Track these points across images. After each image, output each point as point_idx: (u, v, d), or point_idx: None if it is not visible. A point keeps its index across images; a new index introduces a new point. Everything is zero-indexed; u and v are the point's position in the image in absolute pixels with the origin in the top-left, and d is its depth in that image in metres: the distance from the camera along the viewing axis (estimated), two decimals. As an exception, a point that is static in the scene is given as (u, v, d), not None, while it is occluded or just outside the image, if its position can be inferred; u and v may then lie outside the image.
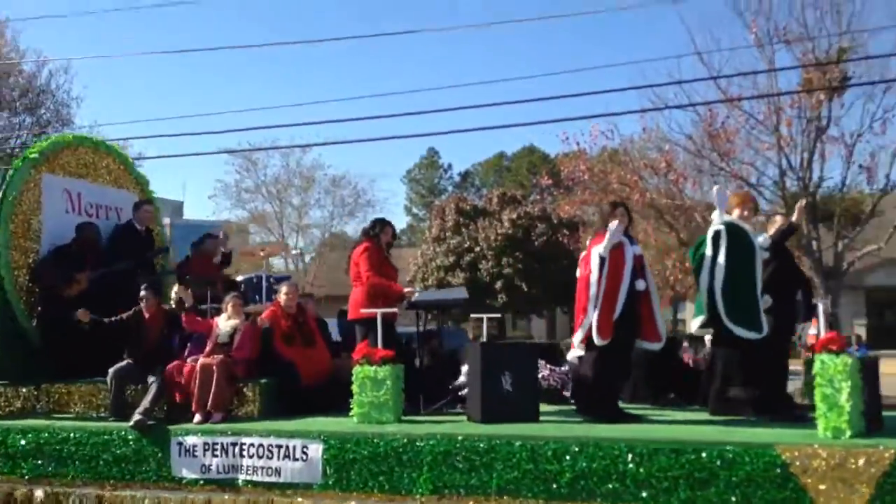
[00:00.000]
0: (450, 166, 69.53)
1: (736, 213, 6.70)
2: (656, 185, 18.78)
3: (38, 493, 6.78)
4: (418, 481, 5.90)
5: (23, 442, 6.95)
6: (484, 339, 7.26)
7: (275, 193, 35.65)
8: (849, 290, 22.22)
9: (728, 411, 6.55)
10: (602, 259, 6.25)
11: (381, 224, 7.38)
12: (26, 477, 6.90)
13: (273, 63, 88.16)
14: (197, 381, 6.77)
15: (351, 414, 6.52)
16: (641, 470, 5.40)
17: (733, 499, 5.20)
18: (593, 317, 6.19)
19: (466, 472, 5.79)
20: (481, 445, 5.77)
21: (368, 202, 37.72)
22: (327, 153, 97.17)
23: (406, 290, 7.11)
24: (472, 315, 6.24)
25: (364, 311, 6.79)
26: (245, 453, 6.39)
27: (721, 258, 6.33)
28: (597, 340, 6.17)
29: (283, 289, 7.57)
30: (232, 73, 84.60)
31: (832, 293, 16.49)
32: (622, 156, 19.87)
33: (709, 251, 6.41)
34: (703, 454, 5.28)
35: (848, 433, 5.25)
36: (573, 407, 7.01)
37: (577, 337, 6.37)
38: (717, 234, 6.39)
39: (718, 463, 5.24)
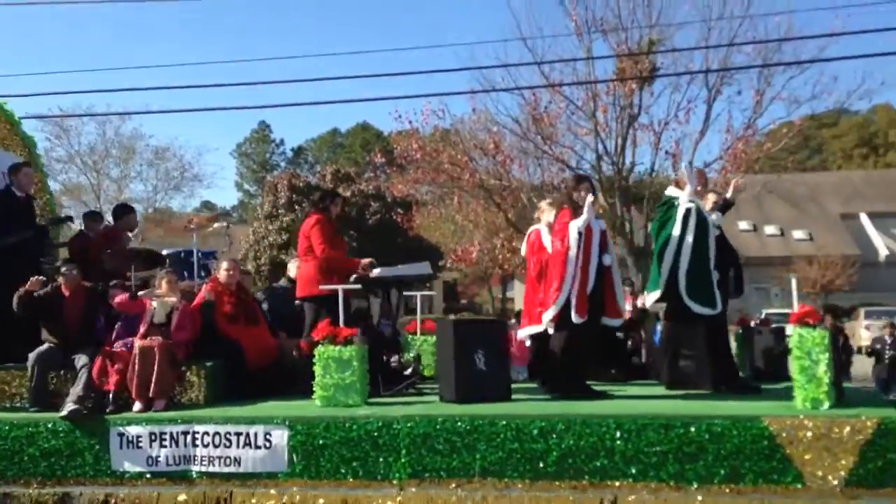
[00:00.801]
0: (282, 141, 68.40)
1: (688, 190, 6.76)
2: (486, 167, 19.25)
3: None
4: (395, 465, 5.63)
5: (-75, 438, 6.11)
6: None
7: (91, 164, 33.80)
8: None
9: (684, 385, 6.66)
10: (580, 234, 6.14)
11: (331, 196, 6.97)
12: (-66, 476, 6.09)
13: (91, 26, 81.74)
14: (136, 366, 6.14)
15: (313, 397, 6.13)
16: (630, 446, 5.36)
17: (722, 471, 5.26)
18: (572, 294, 6.09)
19: (448, 455, 5.56)
20: (463, 426, 5.56)
21: (196, 176, 36.58)
22: (149, 123, 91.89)
23: (363, 261, 6.74)
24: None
25: (324, 287, 6.38)
26: (199, 442, 5.87)
27: (689, 238, 6.38)
28: (574, 318, 6.07)
29: (224, 264, 7.01)
30: (43, 33, 77.82)
31: (642, 272, 17.70)
32: (453, 136, 20.31)
33: (677, 231, 6.42)
34: (692, 428, 5.30)
35: (826, 404, 5.42)
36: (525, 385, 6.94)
37: (549, 314, 6.25)
38: (687, 213, 6.42)
39: (707, 437, 5.28)
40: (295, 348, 7.16)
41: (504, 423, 5.52)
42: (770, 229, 37.27)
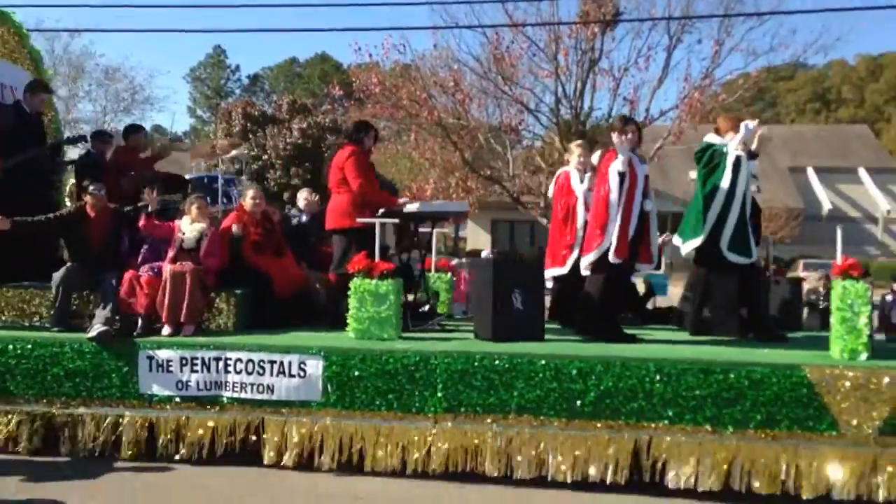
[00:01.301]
0: (237, 68, 66.66)
1: (730, 136, 6.71)
2: (444, 104, 19.07)
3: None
4: (431, 399, 5.61)
5: (-55, 353, 5.96)
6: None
7: (37, 81, 32.72)
8: None
9: (707, 332, 6.68)
10: (622, 176, 6.09)
11: (365, 128, 6.81)
12: (-50, 394, 5.96)
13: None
14: (167, 290, 6.02)
15: (347, 329, 6.07)
16: (668, 389, 5.39)
17: (758, 416, 5.31)
18: (612, 237, 6.06)
19: (484, 391, 5.55)
20: (501, 364, 5.55)
21: (147, 99, 35.81)
22: (100, 41, 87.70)
23: (400, 200, 6.64)
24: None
25: (361, 220, 6.27)
26: (231, 369, 5.80)
27: (740, 188, 6.33)
28: (612, 259, 6.04)
29: (250, 192, 6.86)
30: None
31: None
32: (413, 72, 20.02)
33: (727, 181, 6.36)
34: (732, 374, 5.33)
35: (865, 355, 5.48)
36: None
37: (590, 258, 6.21)
38: (737, 162, 6.35)
39: (746, 383, 5.32)
40: (318, 280, 7.07)
41: (543, 362, 5.51)
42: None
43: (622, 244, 6.05)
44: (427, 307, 7.16)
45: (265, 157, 29.40)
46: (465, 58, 18.71)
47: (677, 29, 17.46)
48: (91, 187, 6.41)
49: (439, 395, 5.59)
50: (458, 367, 5.57)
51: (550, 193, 7.61)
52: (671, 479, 5.34)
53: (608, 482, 5.37)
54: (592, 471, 5.41)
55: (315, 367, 5.71)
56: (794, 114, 52.50)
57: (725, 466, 5.29)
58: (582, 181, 7.23)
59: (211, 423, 5.78)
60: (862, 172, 19.07)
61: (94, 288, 6.25)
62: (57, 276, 6.15)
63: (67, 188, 8.41)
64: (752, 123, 6.47)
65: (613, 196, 6.05)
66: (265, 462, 5.70)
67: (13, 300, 6.52)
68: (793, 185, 36.79)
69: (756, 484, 5.24)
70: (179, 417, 5.83)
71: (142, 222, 6.29)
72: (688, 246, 6.70)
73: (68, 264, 6.26)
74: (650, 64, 17.63)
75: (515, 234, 31.34)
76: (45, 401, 5.92)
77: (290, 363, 5.74)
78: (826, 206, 34.81)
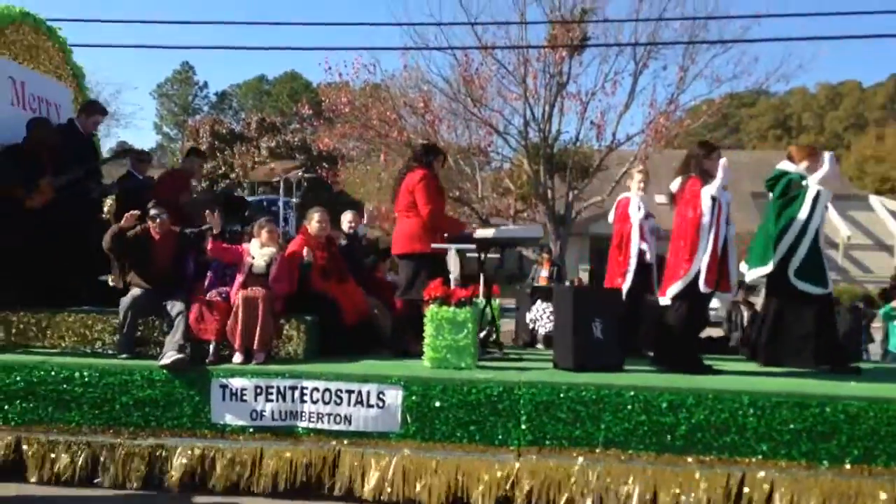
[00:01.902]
0: (206, 84, 66.30)
1: (804, 164, 6.62)
2: (414, 125, 19.06)
3: (35, 441, 5.71)
4: (515, 431, 5.46)
5: (8, 381, 5.77)
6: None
7: (0, 96, 32.44)
8: (576, 238, 24.21)
9: (779, 363, 6.56)
10: (714, 201, 5.96)
11: (435, 151, 6.69)
12: (12, 423, 5.77)
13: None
14: (240, 316, 5.86)
15: (423, 358, 5.93)
16: (762, 423, 5.25)
17: (855, 452, 5.18)
18: (703, 264, 5.93)
19: (570, 423, 5.40)
20: (588, 395, 5.41)
21: (113, 115, 35.37)
22: None
23: (472, 226, 6.52)
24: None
25: (436, 245, 6.14)
26: (307, 398, 5.64)
27: (816, 222, 6.25)
28: (703, 288, 5.92)
29: (316, 216, 6.71)
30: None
31: (561, 239, 17.91)
32: (383, 92, 20.00)
33: (804, 214, 6.26)
34: (828, 408, 5.21)
35: (960, 388, 5.37)
36: None
37: (678, 286, 6.06)
38: (817, 196, 6.27)
39: (842, 417, 5.20)
40: (376, 306, 6.94)
41: (631, 394, 5.37)
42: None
43: (711, 272, 5.93)
44: (492, 336, 7.03)
45: (233, 175, 29.08)
46: (435, 79, 19.07)
47: (643, 55, 17.62)
48: (153, 211, 6.26)
49: (523, 426, 5.44)
50: (543, 397, 5.43)
51: (611, 220, 7.50)
52: (766, 517, 5.21)
53: (699, 519, 5.24)
54: (683, 507, 5.28)
55: (394, 396, 5.56)
56: (757, 140, 53.32)
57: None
58: (639, 208, 7.14)
59: (287, 455, 5.61)
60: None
61: (161, 313, 6.08)
62: (126, 300, 5.98)
63: (106, 207, 8.27)
64: (829, 156, 6.39)
65: (706, 220, 5.92)
66: (336, 493, 5.53)
67: (74, 325, 6.36)
68: (755, 211, 37.28)
69: (854, 521, 5.11)
70: (254, 448, 5.66)
71: (210, 246, 6.14)
72: (754, 273, 6.59)
73: (135, 289, 6.09)
74: (617, 89, 18.02)
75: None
76: (111, 431, 5.74)
77: (368, 392, 5.58)
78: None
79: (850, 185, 35.88)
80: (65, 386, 5.75)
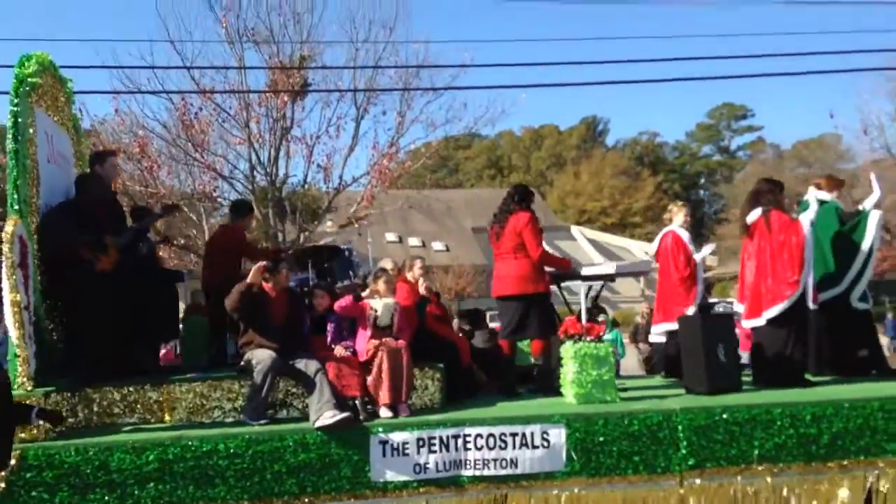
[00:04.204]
0: None
1: (835, 194, 7.39)
2: (130, 172, 18.47)
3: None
4: (675, 457, 5.67)
5: (139, 462, 5.22)
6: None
7: None
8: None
9: (853, 372, 7.16)
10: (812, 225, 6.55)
11: (531, 195, 6.81)
12: (147, 508, 5.23)
13: None
14: (386, 369, 5.66)
15: (568, 395, 6.00)
16: (892, 424, 5.81)
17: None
18: (809, 283, 6.46)
19: (727, 444, 5.69)
20: (741, 416, 5.72)
21: None
22: None
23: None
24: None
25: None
26: (471, 445, 5.54)
27: (872, 244, 6.99)
28: (812, 305, 6.45)
29: (418, 263, 6.61)
30: None
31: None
32: (93, 137, 18.48)
33: (868, 242, 6.99)
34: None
35: None
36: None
37: (782, 306, 6.53)
38: (879, 220, 7.02)
39: (953, 411, 5.86)
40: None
41: (779, 410, 5.75)
42: (413, 241, 40.65)
43: (815, 290, 6.49)
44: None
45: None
46: (152, 124, 17.92)
47: (363, 101, 18.26)
48: (267, 264, 5.93)
49: (683, 451, 5.65)
50: (702, 422, 5.68)
51: (651, 252, 7.90)
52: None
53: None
54: (833, 510, 5.69)
55: (558, 435, 5.59)
56: (474, 179, 57.71)
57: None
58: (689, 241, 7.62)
59: (455, 505, 5.48)
60: None
61: (290, 374, 5.75)
62: (265, 363, 5.57)
63: None
64: (874, 177, 7.19)
65: (809, 246, 6.46)
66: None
67: (185, 396, 5.84)
68: (476, 244, 40.76)
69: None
70: (418, 503, 5.47)
71: (338, 304, 5.90)
72: (827, 294, 7.19)
73: (265, 351, 5.69)
74: (341, 133, 18.16)
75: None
76: (264, 502, 5.34)
77: (532, 433, 5.58)
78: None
79: (555, 217, 39.40)
80: (207, 461, 5.29)
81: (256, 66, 17.68)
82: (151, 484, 5.23)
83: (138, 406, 5.90)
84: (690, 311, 7.37)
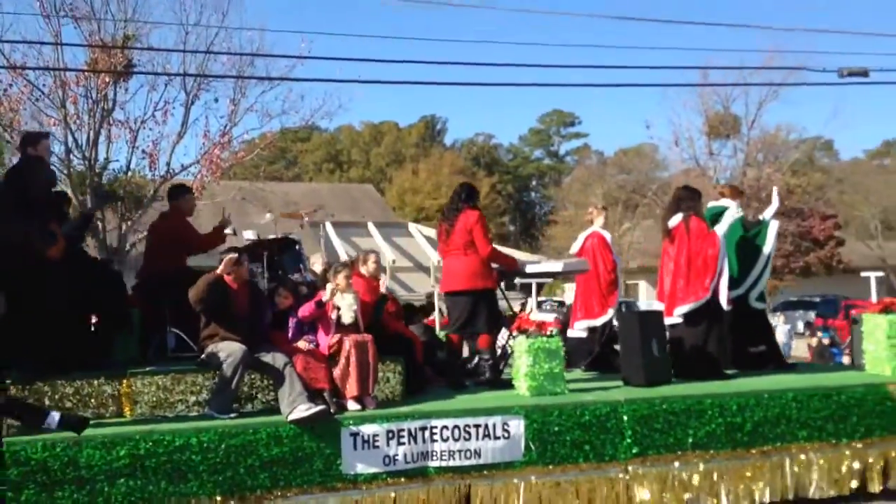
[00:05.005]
0: None
1: (738, 202, 8.12)
2: None
3: (147, 522, 5.11)
4: (621, 446, 6.11)
5: (109, 458, 5.09)
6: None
7: None
8: (131, 271, 24.53)
9: (752, 367, 7.90)
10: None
11: (477, 193, 7.07)
12: (119, 505, 5.11)
13: None
14: (353, 362, 5.75)
15: (521, 387, 6.31)
16: (803, 413, 6.51)
17: (861, 429, 6.62)
18: (722, 288, 7.10)
19: (665, 432, 6.20)
20: (678, 406, 6.25)
21: None
22: None
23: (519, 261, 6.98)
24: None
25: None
26: (437, 437, 5.76)
27: (771, 250, 7.76)
28: (726, 306, 7.11)
29: (372, 257, 6.70)
30: None
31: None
32: None
33: (769, 247, 7.75)
34: (843, 396, 6.62)
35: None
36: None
37: (692, 306, 7.14)
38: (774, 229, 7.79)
39: (853, 401, 6.64)
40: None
41: (710, 401, 6.32)
42: (248, 234, 41.06)
43: (729, 294, 7.15)
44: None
45: None
46: None
47: (194, 86, 17.60)
48: (234, 256, 5.88)
49: (628, 440, 6.11)
50: (644, 412, 6.16)
51: (574, 251, 8.35)
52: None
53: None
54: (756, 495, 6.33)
55: (517, 426, 5.91)
56: (313, 172, 58.35)
57: (846, 472, 6.55)
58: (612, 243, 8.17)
59: (422, 497, 5.68)
60: (371, 226, 22.95)
61: (256, 367, 5.74)
62: (234, 356, 5.53)
63: None
64: (775, 190, 7.98)
65: (723, 256, 7.10)
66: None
67: (148, 389, 5.69)
68: (315, 239, 41.25)
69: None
70: (385, 495, 5.63)
71: (301, 311, 5.94)
72: (730, 295, 7.91)
73: (233, 344, 5.65)
74: (168, 118, 17.42)
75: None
76: (237, 496, 5.33)
77: (494, 425, 5.86)
78: (343, 255, 40.03)
79: (393, 214, 40.80)
80: (179, 455, 5.22)
81: (75, 44, 16.57)
82: (122, 480, 5.11)
83: (92, 400, 5.71)
84: (611, 311, 7.93)
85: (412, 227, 21.37)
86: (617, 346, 8.20)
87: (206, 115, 18.88)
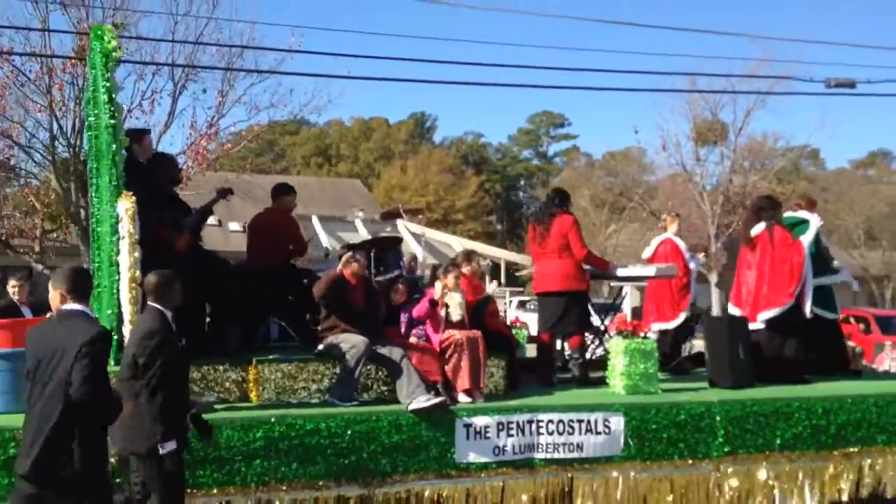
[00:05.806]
0: None
1: (815, 212, 8.37)
2: None
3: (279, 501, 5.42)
4: (714, 444, 6.39)
5: (247, 440, 5.39)
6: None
7: None
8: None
9: (820, 372, 8.09)
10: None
11: (569, 196, 7.37)
12: (252, 485, 5.40)
13: None
14: (466, 357, 6.05)
15: (615, 386, 6.60)
16: (882, 418, 6.78)
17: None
18: (807, 296, 7.35)
19: (755, 433, 6.47)
20: (767, 408, 6.52)
21: None
22: None
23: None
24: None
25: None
26: (543, 430, 6.04)
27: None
28: (809, 315, 7.36)
29: (475, 258, 7.03)
30: None
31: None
32: None
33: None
34: (921, 403, 6.89)
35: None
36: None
37: (775, 312, 7.40)
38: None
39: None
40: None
41: (797, 404, 6.59)
42: (234, 226, 40.86)
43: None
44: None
45: None
46: None
47: (182, 76, 17.42)
48: (352, 254, 6.18)
49: (720, 439, 6.38)
50: (736, 413, 6.43)
51: (646, 255, 8.62)
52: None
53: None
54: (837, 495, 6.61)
55: (618, 422, 6.19)
56: (301, 166, 58.16)
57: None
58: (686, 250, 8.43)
59: (529, 487, 5.96)
60: (357, 222, 23.17)
61: (377, 359, 6.04)
62: (358, 348, 5.82)
63: None
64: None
65: (808, 265, 7.36)
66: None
67: (273, 376, 5.98)
68: (303, 232, 40.96)
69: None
70: (494, 484, 5.91)
71: (416, 311, 6.26)
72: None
73: (355, 336, 5.94)
74: (155, 108, 17.28)
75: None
76: (360, 480, 5.63)
77: (595, 421, 6.15)
78: (328, 249, 40.21)
79: (381, 209, 40.71)
80: (309, 439, 5.52)
81: (62, 30, 16.50)
82: (258, 461, 5.41)
83: (217, 386, 6.01)
84: (683, 315, 8.20)
85: (399, 223, 21.28)
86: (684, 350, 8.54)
87: (193, 105, 18.67)
